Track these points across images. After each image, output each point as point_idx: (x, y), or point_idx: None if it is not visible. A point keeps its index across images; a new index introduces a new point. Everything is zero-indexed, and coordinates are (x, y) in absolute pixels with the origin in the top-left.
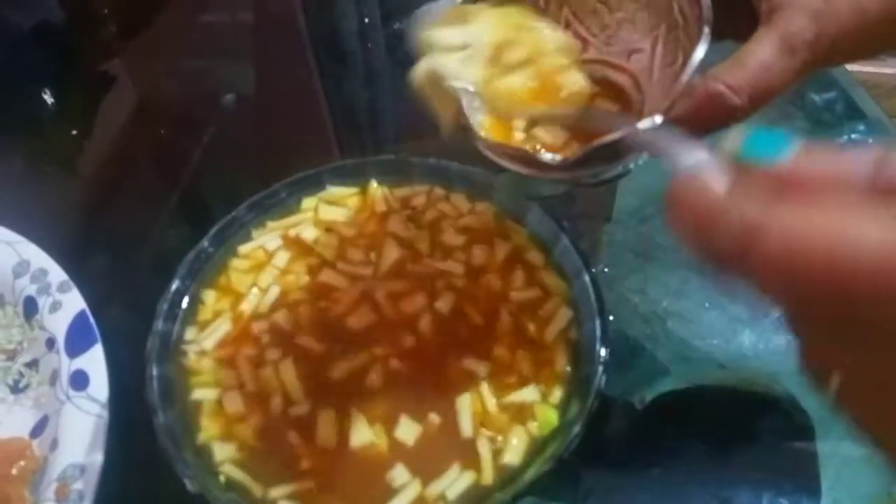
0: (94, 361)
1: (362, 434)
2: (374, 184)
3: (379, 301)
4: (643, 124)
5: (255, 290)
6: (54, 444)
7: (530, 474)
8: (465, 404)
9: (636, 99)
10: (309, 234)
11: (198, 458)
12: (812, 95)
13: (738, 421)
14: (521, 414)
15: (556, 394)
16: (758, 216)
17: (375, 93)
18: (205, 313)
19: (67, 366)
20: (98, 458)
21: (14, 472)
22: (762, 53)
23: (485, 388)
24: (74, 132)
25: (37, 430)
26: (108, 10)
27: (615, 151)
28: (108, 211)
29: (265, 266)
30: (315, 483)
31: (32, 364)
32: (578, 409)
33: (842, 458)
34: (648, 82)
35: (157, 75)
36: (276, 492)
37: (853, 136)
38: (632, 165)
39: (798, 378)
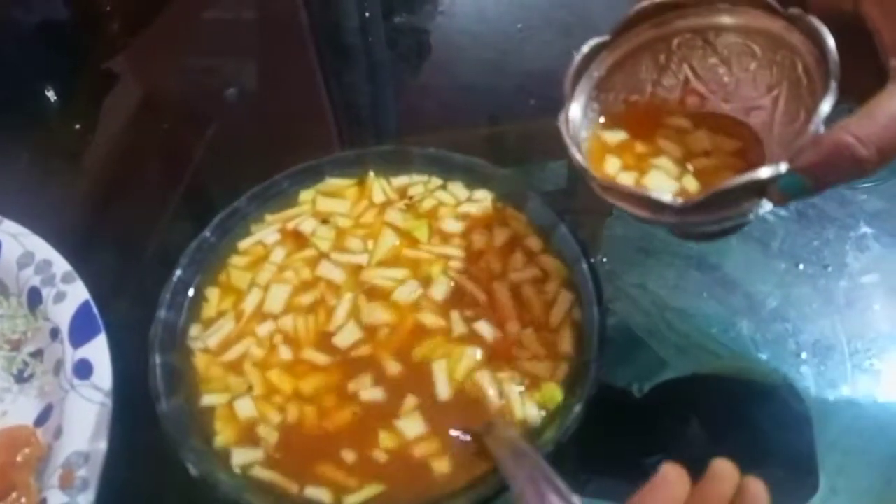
0: (98, 351)
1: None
2: (371, 175)
3: (376, 299)
4: (766, 171)
5: (255, 288)
6: (59, 433)
7: None
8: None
9: (756, 154)
10: (307, 226)
11: (204, 445)
12: None
13: (737, 409)
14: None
15: (561, 371)
16: None
17: (377, 87)
18: (208, 310)
19: (71, 355)
20: (102, 445)
21: (19, 459)
22: (892, 107)
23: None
24: (79, 127)
25: (41, 419)
26: (111, 8)
27: (736, 199)
28: (113, 205)
29: (263, 263)
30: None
31: (37, 354)
32: (577, 394)
33: (843, 450)
34: (769, 138)
35: (160, 72)
36: (309, 485)
37: None
38: (752, 216)
39: (795, 366)
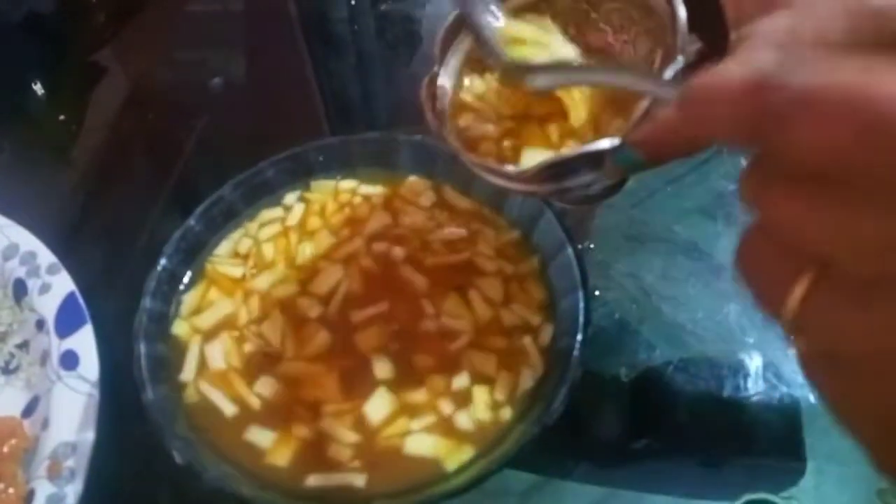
0: (84, 342)
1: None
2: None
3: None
4: (602, 144)
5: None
6: (46, 424)
7: (514, 437)
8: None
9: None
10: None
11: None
12: None
13: (723, 391)
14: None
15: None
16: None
17: (366, 76)
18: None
19: (57, 346)
20: (89, 436)
21: (5, 450)
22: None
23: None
24: (65, 119)
25: (28, 410)
26: (96, 0)
27: (578, 169)
28: (99, 196)
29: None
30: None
31: (23, 345)
32: (562, 376)
33: (829, 432)
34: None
35: (147, 64)
36: None
37: None
38: (598, 187)
39: (781, 349)
